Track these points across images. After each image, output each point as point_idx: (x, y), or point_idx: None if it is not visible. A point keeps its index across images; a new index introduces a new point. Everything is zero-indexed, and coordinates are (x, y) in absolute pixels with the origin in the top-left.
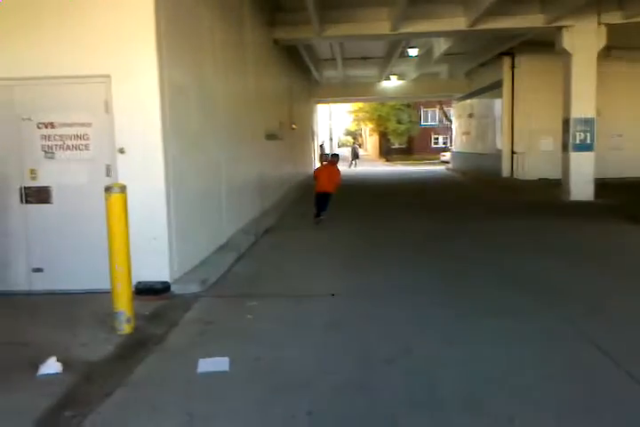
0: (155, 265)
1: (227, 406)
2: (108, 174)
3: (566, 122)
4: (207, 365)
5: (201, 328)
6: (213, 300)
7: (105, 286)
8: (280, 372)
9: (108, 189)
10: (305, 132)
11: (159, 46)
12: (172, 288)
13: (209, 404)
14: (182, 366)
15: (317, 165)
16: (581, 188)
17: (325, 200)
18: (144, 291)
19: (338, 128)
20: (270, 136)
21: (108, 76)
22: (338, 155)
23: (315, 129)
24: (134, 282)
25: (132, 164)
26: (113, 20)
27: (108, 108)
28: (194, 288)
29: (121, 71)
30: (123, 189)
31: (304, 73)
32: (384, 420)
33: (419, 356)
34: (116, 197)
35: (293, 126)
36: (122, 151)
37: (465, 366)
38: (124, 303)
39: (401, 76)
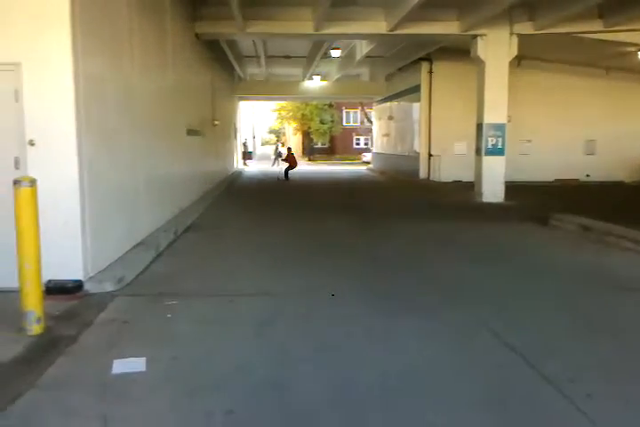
0: (67, 262)
1: (143, 408)
2: (16, 167)
3: (479, 127)
4: (122, 366)
5: (116, 328)
6: (130, 299)
7: (13, 284)
8: (198, 371)
9: (16, 183)
10: (227, 129)
11: (74, 34)
12: (86, 287)
13: (124, 406)
14: (96, 367)
15: (241, 162)
16: (492, 190)
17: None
18: (55, 290)
19: (261, 126)
20: (191, 132)
21: (18, 64)
22: (290, 148)
23: (237, 126)
24: (45, 280)
25: (42, 156)
26: (25, 4)
27: (17, 97)
28: (109, 287)
29: (32, 59)
30: (33, 182)
31: (227, 69)
32: (301, 417)
33: (339, 354)
34: (25, 191)
35: (215, 123)
36: (32, 143)
37: (383, 364)
38: (33, 303)
39: (324, 77)
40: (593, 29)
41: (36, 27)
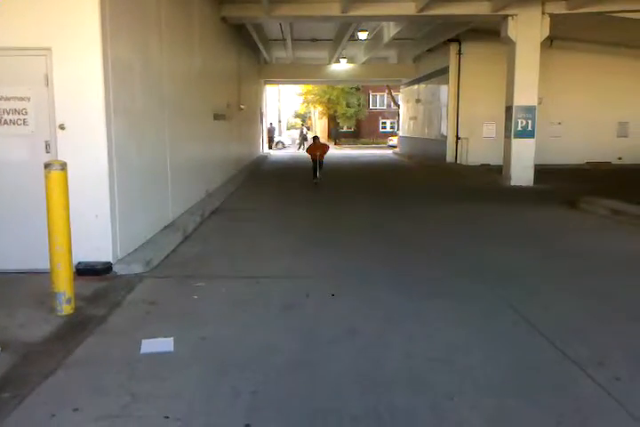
0: (97, 245)
1: (170, 387)
2: (47, 151)
3: (509, 109)
4: (150, 345)
5: (144, 309)
6: (158, 280)
7: (44, 265)
8: (225, 351)
9: (47, 166)
10: (253, 113)
11: (103, 19)
12: (115, 268)
13: (152, 384)
14: (125, 347)
15: (266, 147)
16: (521, 173)
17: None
18: (85, 271)
19: (287, 110)
20: (218, 116)
21: (48, 49)
22: (317, 136)
23: (263, 110)
24: (75, 262)
25: (72, 140)
26: None
27: (47, 82)
28: (137, 269)
29: (62, 44)
30: (63, 166)
31: (253, 53)
32: (328, 399)
33: (365, 336)
34: (56, 174)
35: (242, 107)
36: (62, 127)
37: (408, 346)
38: (64, 284)
39: (350, 60)
40: (628, 8)
41: (66, 12)
